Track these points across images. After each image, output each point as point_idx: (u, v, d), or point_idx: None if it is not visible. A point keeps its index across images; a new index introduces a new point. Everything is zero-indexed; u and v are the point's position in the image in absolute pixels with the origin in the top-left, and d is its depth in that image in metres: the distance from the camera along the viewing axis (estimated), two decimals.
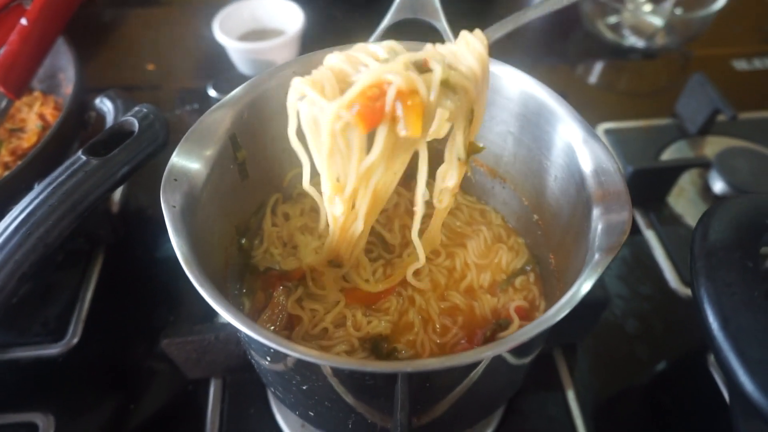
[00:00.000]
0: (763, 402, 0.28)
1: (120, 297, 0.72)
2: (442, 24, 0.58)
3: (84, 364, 0.66)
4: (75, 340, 0.67)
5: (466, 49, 0.42)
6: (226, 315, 0.34)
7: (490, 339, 0.54)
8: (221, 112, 0.48)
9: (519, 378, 0.54)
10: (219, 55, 1.02)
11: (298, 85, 0.40)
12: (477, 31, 0.43)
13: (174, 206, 0.39)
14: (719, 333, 0.30)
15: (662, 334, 0.69)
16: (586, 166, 0.45)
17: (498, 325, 0.55)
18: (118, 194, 0.80)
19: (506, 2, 1.22)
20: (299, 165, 0.60)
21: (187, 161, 0.43)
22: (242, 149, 0.51)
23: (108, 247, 0.76)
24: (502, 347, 0.36)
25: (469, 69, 0.41)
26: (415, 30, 0.58)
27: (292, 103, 0.41)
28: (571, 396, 0.62)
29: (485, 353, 0.36)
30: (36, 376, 0.65)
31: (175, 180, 0.42)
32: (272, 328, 0.49)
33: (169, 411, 0.63)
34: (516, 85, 0.52)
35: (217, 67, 1.05)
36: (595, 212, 0.42)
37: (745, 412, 0.31)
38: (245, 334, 0.34)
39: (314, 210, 0.60)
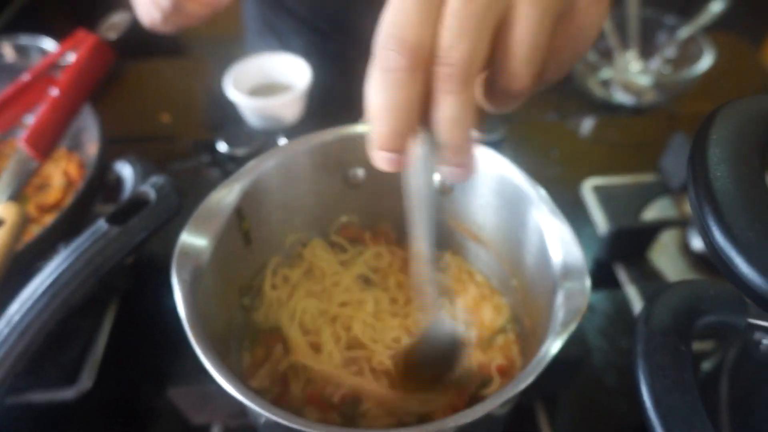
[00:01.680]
0: None
1: (132, 343, 0.77)
2: None
3: (96, 407, 0.71)
4: (88, 385, 0.72)
5: None
6: (222, 382, 0.39)
7: (474, 396, 0.59)
8: (226, 190, 0.53)
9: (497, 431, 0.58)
10: (230, 108, 1.09)
11: None
12: None
13: (185, 280, 0.45)
14: (651, 412, 0.34)
15: None
16: (553, 247, 0.50)
17: (482, 383, 0.59)
18: None
19: None
20: (299, 230, 0.66)
21: (196, 238, 0.49)
22: (246, 219, 0.56)
23: (122, 295, 0.81)
24: (474, 414, 0.41)
25: None
26: None
27: None
28: None
29: (461, 421, 0.41)
30: (50, 418, 0.70)
31: (186, 254, 0.47)
32: (268, 383, 0.54)
33: None
34: (493, 167, 0.57)
35: (228, 120, 1.12)
36: (560, 293, 0.47)
37: None
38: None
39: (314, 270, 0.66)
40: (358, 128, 0.59)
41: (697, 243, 0.83)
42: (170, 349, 0.78)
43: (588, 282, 0.46)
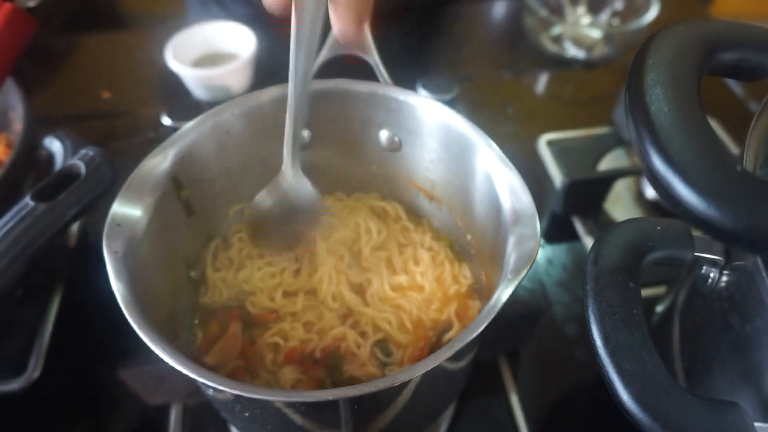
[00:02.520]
0: (635, 410, 0.32)
1: (80, 328, 0.74)
2: (374, 59, 0.61)
3: (45, 397, 0.68)
4: (36, 374, 0.68)
5: None
6: (168, 358, 0.37)
7: (435, 344, 0.58)
8: (160, 157, 0.50)
9: (459, 382, 0.58)
10: (174, 81, 1.04)
11: None
12: None
13: (117, 252, 0.42)
14: (601, 349, 0.34)
15: None
16: (503, 194, 0.49)
17: (442, 330, 0.59)
18: (75, 228, 0.82)
19: (440, 38, 1.25)
20: (244, 199, 0.64)
21: (129, 208, 0.46)
22: (186, 188, 0.53)
23: (66, 279, 0.77)
24: (431, 363, 0.39)
25: None
26: (350, 65, 0.62)
27: None
28: (514, 400, 0.66)
29: (417, 371, 0.39)
30: None
31: (118, 225, 0.44)
32: (231, 364, 0.53)
33: None
34: (435, 116, 0.55)
35: (173, 94, 1.06)
36: (510, 239, 0.46)
37: None
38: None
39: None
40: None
41: (650, 191, 0.84)
42: (121, 330, 0.74)
43: (538, 226, 0.45)
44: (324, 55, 0.63)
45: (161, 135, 0.99)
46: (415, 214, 0.68)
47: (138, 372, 0.59)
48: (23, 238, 0.50)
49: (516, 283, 0.41)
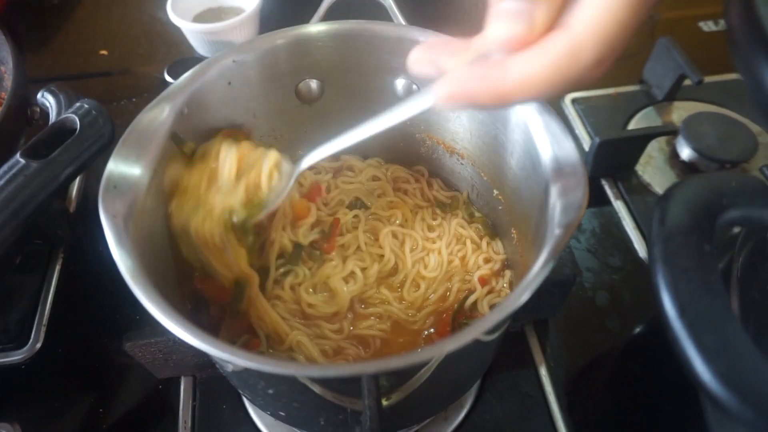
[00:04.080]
0: (720, 391, 0.28)
1: (82, 297, 0.70)
2: (389, 1, 0.55)
3: (49, 369, 0.64)
4: (38, 345, 0.65)
5: None
6: (178, 332, 0.33)
7: (459, 311, 0.54)
8: (158, 110, 0.45)
9: (488, 356, 0.54)
10: (176, 37, 0.98)
11: None
12: None
13: (115, 216, 0.37)
14: (676, 321, 0.29)
15: (632, 305, 0.69)
16: (542, 142, 0.44)
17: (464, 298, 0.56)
18: (74, 191, 0.77)
19: None
20: None
21: (127, 166, 0.41)
22: (187, 143, 0.48)
23: (67, 246, 0.73)
24: (467, 337, 0.35)
25: None
26: (361, 6, 0.56)
27: None
28: (543, 372, 0.62)
29: (448, 347, 0.35)
30: (1, 384, 0.64)
31: (115, 187, 0.39)
32: (243, 337, 0.49)
33: (140, 412, 0.61)
34: None
35: (174, 50, 1.01)
36: (553, 189, 0.41)
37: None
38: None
39: None
40: (314, 27, 0.51)
41: (686, 152, 0.79)
42: (126, 299, 0.69)
43: (584, 172, 0.40)
44: None
45: None
46: (433, 173, 0.64)
47: (145, 345, 0.55)
48: (15, 200, 0.45)
49: (568, 236, 0.36)
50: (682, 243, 0.31)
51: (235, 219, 0.45)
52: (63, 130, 0.49)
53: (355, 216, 0.59)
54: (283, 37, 0.51)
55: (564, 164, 0.41)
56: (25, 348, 0.65)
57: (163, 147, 0.45)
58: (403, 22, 0.53)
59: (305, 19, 1.06)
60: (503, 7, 0.29)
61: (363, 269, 0.56)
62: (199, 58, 0.96)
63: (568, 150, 0.41)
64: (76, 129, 0.49)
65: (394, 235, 0.59)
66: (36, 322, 0.67)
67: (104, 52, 1.03)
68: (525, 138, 0.46)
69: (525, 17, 0.28)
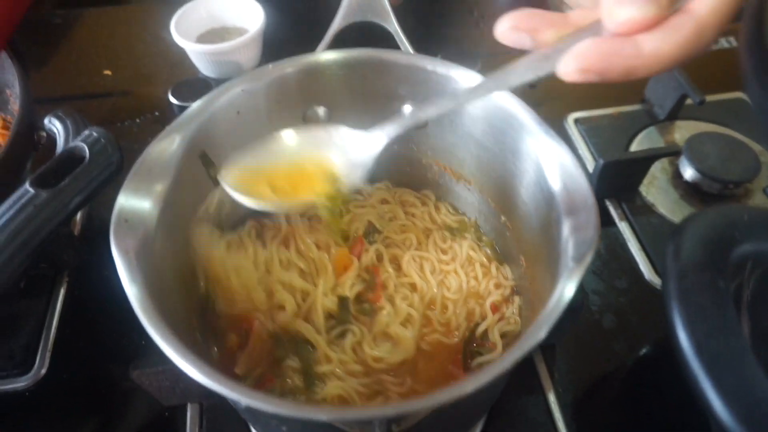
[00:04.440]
0: (739, 430, 0.28)
1: (87, 322, 0.70)
2: (394, 26, 0.56)
3: (54, 395, 0.64)
4: (43, 371, 0.65)
5: None
6: (196, 375, 0.33)
7: (469, 340, 0.54)
8: (168, 141, 0.45)
9: (500, 387, 0.54)
10: (179, 57, 0.99)
11: None
12: None
13: (127, 252, 0.37)
14: (694, 360, 0.29)
15: (639, 327, 0.69)
16: (553, 174, 0.44)
17: (475, 324, 0.56)
18: (79, 214, 0.77)
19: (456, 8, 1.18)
20: None
21: (137, 200, 0.41)
22: (215, 165, 0.49)
23: (72, 270, 0.73)
24: (487, 377, 0.35)
25: None
26: (366, 32, 0.56)
27: None
28: (552, 398, 0.62)
29: (468, 388, 0.35)
30: (3, 411, 0.63)
31: (126, 221, 0.39)
32: (258, 370, 0.48)
33: None
34: (491, 100, 0.50)
35: (178, 71, 1.01)
36: (565, 223, 0.41)
37: None
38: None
39: None
40: (323, 56, 0.51)
41: (689, 172, 0.79)
42: (131, 324, 0.70)
43: (596, 210, 0.40)
44: (339, 23, 0.57)
45: (167, 114, 0.93)
46: (441, 197, 0.64)
47: (152, 373, 0.54)
48: (24, 230, 0.45)
49: (581, 271, 0.36)
50: (696, 280, 0.31)
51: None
52: (72, 159, 0.50)
53: (376, 249, 0.59)
54: (292, 65, 0.51)
55: (575, 197, 0.41)
56: (30, 374, 0.64)
57: (174, 179, 0.45)
58: (411, 49, 0.54)
59: (308, 39, 1.07)
60: None
61: (410, 305, 0.55)
62: (203, 79, 0.98)
63: (579, 183, 0.41)
64: (85, 157, 0.49)
65: (413, 259, 0.59)
66: (41, 348, 0.66)
67: (108, 72, 1.03)
68: (535, 168, 0.46)
69: (654, 1, 0.31)
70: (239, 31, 1.01)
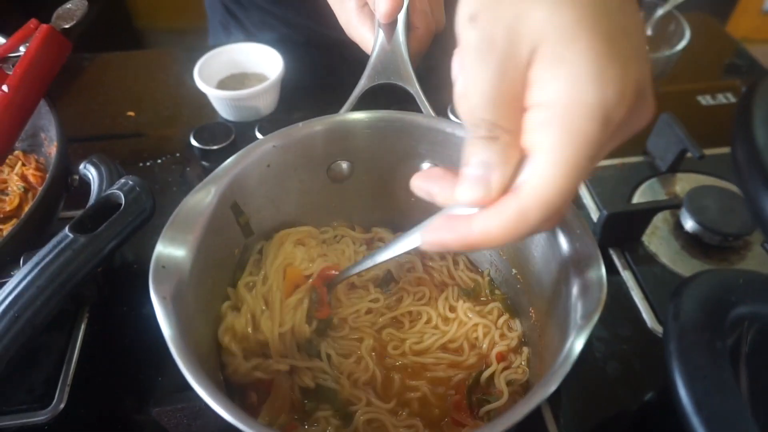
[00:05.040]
0: None
1: (106, 357, 0.72)
2: (415, 88, 0.60)
3: (72, 430, 0.66)
4: (62, 405, 0.66)
5: None
6: (232, 419, 0.35)
7: (473, 388, 0.56)
8: (203, 192, 0.49)
9: None
10: (200, 101, 1.03)
11: None
12: None
13: (165, 297, 0.40)
14: (693, 417, 0.32)
15: (642, 374, 0.71)
16: (563, 237, 0.47)
17: (478, 373, 0.58)
18: None
19: None
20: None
21: (173, 248, 0.44)
22: (245, 214, 0.52)
23: (93, 306, 0.75)
24: (499, 428, 0.38)
25: None
26: (388, 94, 0.60)
27: None
28: None
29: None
30: None
31: (164, 267, 0.42)
32: (282, 418, 0.51)
33: None
34: None
35: (198, 114, 1.05)
36: (574, 283, 0.44)
37: None
38: None
39: None
40: (350, 116, 0.55)
41: (689, 224, 0.82)
42: (149, 359, 0.73)
43: (603, 270, 0.43)
44: (363, 84, 0.61)
45: (187, 156, 0.97)
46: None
47: (171, 411, 0.56)
48: (62, 273, 0.48)
49: (589, 328, 0.39)
50: (695, 341, 0.34)
51: None
52: (108, 205, 0.53)
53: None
54: (321, 124, 0.55)
55: (584, 257, 0.44)
56: (49, 408, 0.66)
57: (205, 229, 0.48)
58: (431, 111, 0.58)
59: (323, 86, 1.12)
60: (467, 173, 0.35)
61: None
62: (224, 123, 1.02)
63: (587, 244, 0.44)
64: (120, 204, 0.52)
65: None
66: (60, 382, 0.68)
67: (131, 113, 1.08)
68: (549, 231, 0.49)
69: (483, 184, 0.34)
70: (258, 77, 1.06)
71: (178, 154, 0.98)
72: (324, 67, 1.17)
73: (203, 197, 0.48)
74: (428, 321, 0.61)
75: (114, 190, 0.54)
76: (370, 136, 0.57)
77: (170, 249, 0.44)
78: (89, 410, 0.67)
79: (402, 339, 0.59)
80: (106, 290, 0.76)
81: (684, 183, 0.91)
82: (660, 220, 0.86)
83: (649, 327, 0.74)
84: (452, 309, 0.62)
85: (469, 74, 0.34)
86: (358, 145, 0.57)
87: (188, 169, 0.95)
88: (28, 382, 0.68)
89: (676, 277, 0.78)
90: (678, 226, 0.84)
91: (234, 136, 0.94)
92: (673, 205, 0.82)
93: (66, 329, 0.73)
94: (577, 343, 0.39)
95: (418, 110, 0.59)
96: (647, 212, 0.80)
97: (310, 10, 1.16)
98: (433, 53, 0.68)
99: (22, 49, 0.68)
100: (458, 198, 0.35)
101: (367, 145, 0.58)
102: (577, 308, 0.41)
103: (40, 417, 0.65)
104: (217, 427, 0.62)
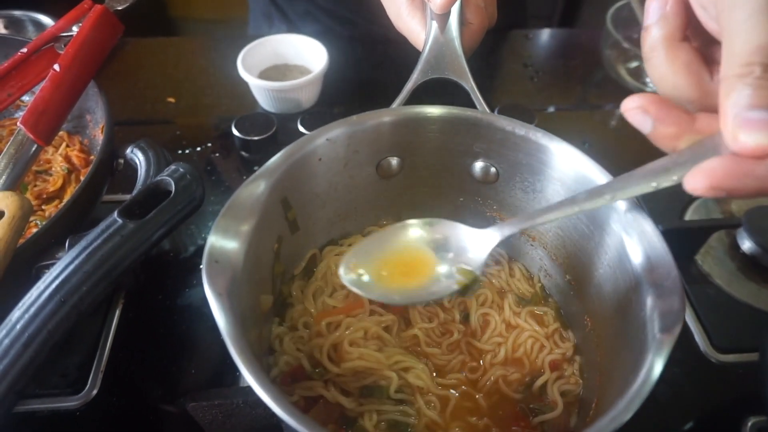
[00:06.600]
0: None
1: (139, 345, 0.71)
2: (470, 83, 0.58)
3: (102, 417, 0.64)
4: (94, 392, 0.65)
5: None
6: (292, 422, 0.33)
7: (523, 399, 0.54)
8: (255, 185, 0.47)
9: None
10: (240, 90, 1.02)
11: None
12: None
13: (221, 294, 0.38)
14: None
15: (693, 399, 0.67)
16: (631, 241, 0.44)
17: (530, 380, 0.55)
18: None
19: (511, 62, 1.20)
20: (335, 222, 0.60)
21: (225, 240, 0.42)
22: (293, 208, 0.50)
23: (128, 293, 0.74)
24: None
25: None
26: (441, 88, 0.58)
27: None
28: None
29: None
30: (53, 428, 0.64)
31: (217, 262, 0.40)
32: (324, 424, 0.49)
33: None
34: (569, 164, 0.51)
35: (238, 103, 1.04)
36: (648, 292, 0.41)
37: None
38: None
39: None
40: (404, 110, 0.53)
41: (747, 245, 0.78)
42: (181, 349, 0.72)
43: (681, 280, 0.40)
44: (416, 78, 0.59)
45: (226, 145, 0.96)
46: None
47: (207, 407, 0.55)
48: (110, 259, 0.47)
49: (671, 343, 0.37)
50: None
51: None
52: (157, 192, 0.51)
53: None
54: (374, 117, 0.53)
55: (657, 267, 0.42)
56: (81, 394, 0.65)
57: (259, 220, 0.46)
58: (486, 108, 0.55)
59: (366, 81, 1.09)
60: (755, 117, 0.31)
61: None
62: (265, 114, 1.01)
63: (660, 252, 0.42)
64: (170, 191, 0.51)
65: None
66: (94, 368, 0.67)
67: (171, 99, 1.07)
68: (610, 231, 0.46)
69: None
70: (300, 69, 1.04)
71: (216, 143, 0.97)
72: (367, 62, 1.15)
73: (254, 189, 0.46)
74: (494, 328, 0.58)
75: (164, 176, 0.52)
76: (423, 132, 0.55)
77: (223, 242, 0.42)
78: (120, 398, 0.66)
79: (480, 350, 0.57)
80: (142, 278, 0.75)
81: (740, 201, 0.87)
82: (714, 239, 0.82)
83: (701, 350, 0.71)
84: (516, 315, 0.59)
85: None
86: (410, 141, 0.55)
87: (226, 159, 0.94)
88: (63, 366, 0.67)
89: (731, 300, 0.75)
90: (734, 246, 0.80)
91: (276, 127, 0.92)
92: (732, 225, 0.79)
93: (101, 315, 0.72)
94: (657, 365, 0.36)
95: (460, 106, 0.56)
96: (704, 230, 0.77)
97: (356, 3, 1.15)
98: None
99: (74, 29, 0.67)
100: (744, 143, 0.31)
101: (419, 141, 0.55)
102: (654, 321, 0.39)
103: (73, 402, 0.64)
104: (251, 425, 0.60)
